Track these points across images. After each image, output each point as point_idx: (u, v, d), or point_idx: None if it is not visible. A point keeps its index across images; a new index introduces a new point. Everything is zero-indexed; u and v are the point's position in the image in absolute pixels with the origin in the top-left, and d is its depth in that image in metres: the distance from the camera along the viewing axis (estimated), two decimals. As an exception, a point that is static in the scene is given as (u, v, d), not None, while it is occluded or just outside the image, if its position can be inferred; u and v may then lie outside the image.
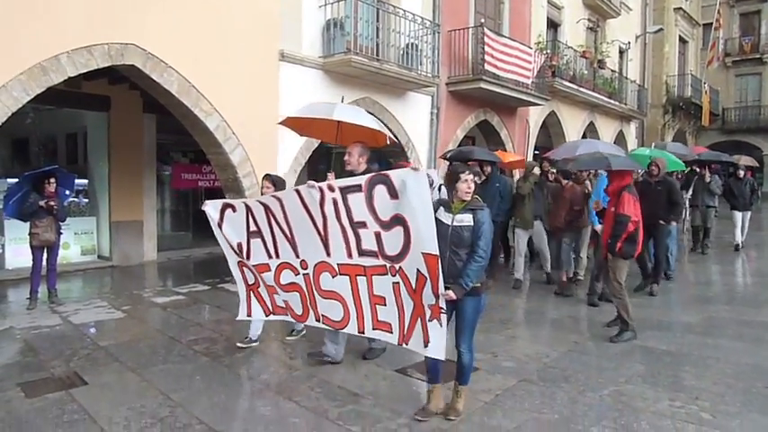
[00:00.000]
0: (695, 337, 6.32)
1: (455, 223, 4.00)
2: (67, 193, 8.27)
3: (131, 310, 7.52)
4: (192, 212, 13.71)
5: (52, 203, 7.45)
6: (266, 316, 5.41)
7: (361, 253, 4.35)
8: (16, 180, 8.02)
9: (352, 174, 5.05)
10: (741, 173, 12.48)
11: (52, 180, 7.55)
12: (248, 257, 5.18)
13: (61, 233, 7.84)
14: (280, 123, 7.14)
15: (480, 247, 3.95)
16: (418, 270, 3.95)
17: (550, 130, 18.23)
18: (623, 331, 6.11)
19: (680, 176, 12.90)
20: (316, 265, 4.71)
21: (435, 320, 3.95)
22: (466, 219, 3.99)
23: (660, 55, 25.93)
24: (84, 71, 7.18)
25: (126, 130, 11.00)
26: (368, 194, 4.17)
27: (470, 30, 13.57)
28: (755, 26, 31.96)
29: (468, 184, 4.07)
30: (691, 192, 12.67)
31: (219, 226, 5.27)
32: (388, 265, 4.20)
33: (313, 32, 10.16)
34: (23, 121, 12.12)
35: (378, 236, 4.19)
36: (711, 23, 26.53)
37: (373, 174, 4.23)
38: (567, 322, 6.94)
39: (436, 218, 3.96)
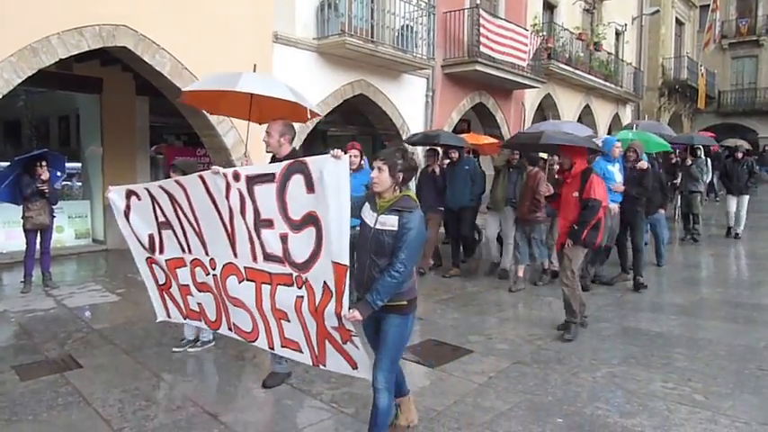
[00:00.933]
0: (688, 318, 6.35)
1: (377, 225, 3.23)
2: (59, 174, 8.21)
3: (126, 294, 7.51)
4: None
5: (44, 187, 7.40)
6: (183, 319, 4.65)
7: (266, 257, 3.64)
8: (7, 164, 7.96)
9: (274, 159, 4.40)
10: (740, 154, 11.62)
11: (43, 163, 7.50)
12: (161, 251, 4.43)
13: (54, 216, 7.80)
14: (179, 101, 6.31)
15: (400, 259, 3.13)
16: (325, 283, 3.29)
17: (546, 113, 18.17)
18: (570, 324, 5.64)
19: (671, 157, 12.60)
20: (224, 265, 3.98)
21: (350, 343, 3.37)
22: (389, 221, 3.19)
23: (656, 37, 25.82)
24: (76, 53, 7.11)
25: (118, 113, 10.91)
26: (281, 186, 3.43)
27: (466, 11, 13.47)
28: (752, 8, 31.78)
29: (377, 174, 3.22)
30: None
31: (126, 216, 4.51)
32: (294, 275, 3.49)
33: (307, 14, 10.06)
34: (15, 104, 12.04)
35: (284, 239, 3.49)
36: (708, 5, 26.39)
37: (291, 161, 3.44)
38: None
39: (361, 217, 3.35)
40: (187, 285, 4.34)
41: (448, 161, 8.65)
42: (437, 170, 8.47)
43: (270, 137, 4.39)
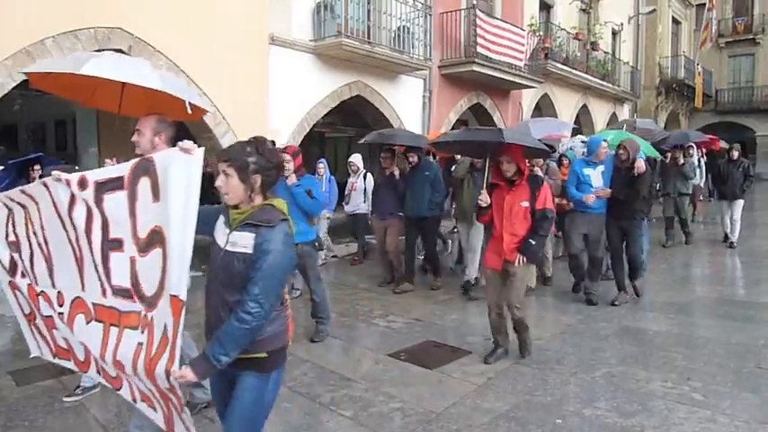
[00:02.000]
0: (686, 317, 6.34)
1: (228, 246, 2.43)
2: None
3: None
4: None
5: None
6: (53, 358, 3.34)
7: (115, 291, 2.69)
8: (1, 168, 7.93)
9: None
10: (735, 154, 10.37)
11: (37, 167, 7.45)
12: (23, 274, 3.29)
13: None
14: (32, 88, 5.17)
15: (252, 295, 2.29)
16: (165, 326, 2.43)
17: (543, 113, 18.17)
18: (498, 349, 5.06)
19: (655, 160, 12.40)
20: (72, 301, 2.96)
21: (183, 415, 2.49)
22: (241, 241, 2.38)
23: (653, 36, 25.85)
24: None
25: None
26: (131, 193, 2.57)
27: (462, 12, 13.49)
28: (748, 7, 31.84)
29: (223, 180, 2.42)
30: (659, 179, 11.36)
31: None
32: (142, 313, 2.57)
33: (303, 15, 10.06)
34: (11, 108, 11.99)
35: (132, 263, 2.60)
36: (704, 4, 26.45)
37: (138, 159, 2.61)
38: (558, 305, 6.95)
39: (213, 235, 2.58)
40: (51, 317, 3.18)
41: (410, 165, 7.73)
42: (396, 173, 7.68)
43: (140, 135, 3.46)
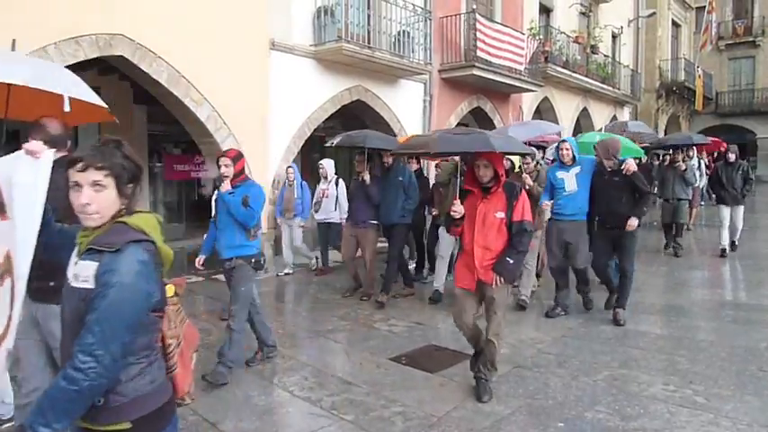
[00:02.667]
0: (688, 320, 6.33)
1: (71, 280, 1.84)
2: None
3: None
4: (184, 204, 13.67)
5: None
6: None
7: None
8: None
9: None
10: (732, 156, 9.71)
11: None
12: None
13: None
14: None
15: (85, 345, 1.69)
16: None
17: (544, 116, 18.19)
18: (483, 382, 4.35)
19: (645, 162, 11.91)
20: None
21: None
22: (83, 272, 1.80)
23: (653, 39, 25.88)
24: (73, 62, 7.10)
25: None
26: None
27: (462, 16, 13.50)
28: (748, 9, 31.88)
29: (91, 196, 1.80)
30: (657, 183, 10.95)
31: None
32: None
33: (303, 20, 10.08)
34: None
35: None
36: (704, 7, 26.48)
37: None
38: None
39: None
40: None
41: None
42: (367, 178, 7.17)
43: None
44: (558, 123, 17.71)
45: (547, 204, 6.41)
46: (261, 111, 9.21)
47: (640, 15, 24.00)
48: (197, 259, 5.24)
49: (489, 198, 4.23)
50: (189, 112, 8.36)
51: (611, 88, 20.73)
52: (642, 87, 24.70)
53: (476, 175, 4.26)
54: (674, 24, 28.52)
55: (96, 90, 11.11)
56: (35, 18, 6.67)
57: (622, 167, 5.99)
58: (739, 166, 9.68)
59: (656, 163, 13.73)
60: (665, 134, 22.92)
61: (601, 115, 21.32)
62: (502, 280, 4.14)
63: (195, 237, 12.25)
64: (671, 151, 11.30)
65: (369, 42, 10.81)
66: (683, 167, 10.03)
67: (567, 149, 6.25)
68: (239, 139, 8.87)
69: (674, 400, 4.20)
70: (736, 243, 10.25)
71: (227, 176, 4.74)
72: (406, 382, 4.66)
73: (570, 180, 6.27)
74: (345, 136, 7.99)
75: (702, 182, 14.50)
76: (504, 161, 8.34)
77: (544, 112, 18.04)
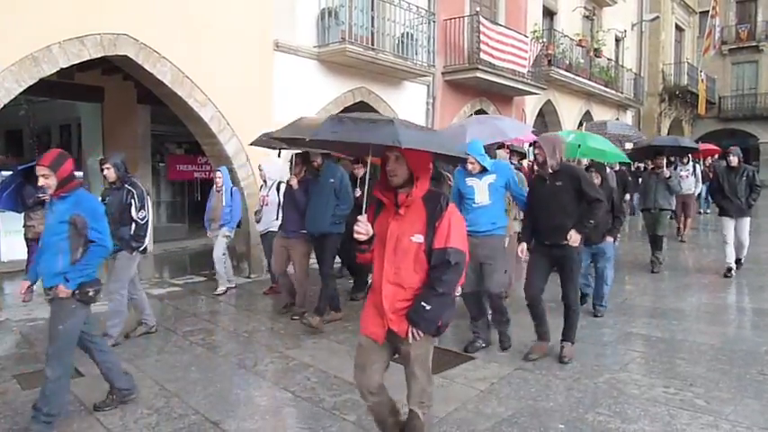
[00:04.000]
0: (689, 323, 6.33)
1: None
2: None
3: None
4: (187, 204, 13.72)
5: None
6: None
7: None
8: (10, 173, 7.99)
9: None
10: (734, 159, 8.42)
11: (45, 172, 7.50)
12: None
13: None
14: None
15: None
16: None
17: (547, 119, 18.21)
18: None
19: (622, 168, 11.39)
20: None
21: None
22: None
23: (656, 43, 25.89)
24: (77, 62, 7.14)
25: (120, 121, 10.96)
26: None
27: (466, 18, 13.52)
28: (752, 14, 31.90)
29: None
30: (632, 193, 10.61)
31: None
32: None
33: (307, 22, 10.10)
34: (17, 113, 12.08)
35: None
36: (708, 11, 26.48)
37: None
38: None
39: None
40: None
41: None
42: (294, 182, 6.57)
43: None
44: (561, 127, 17.78)
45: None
46: (264, 112, 9.23)
47: (644, 19, 24.01)
48: (21, 287, 4.19)
49: (404, 214, 2.94)
50: (192, 112, 8.38)
51: (614, 92, 20.75)
52: (645, 91, 24.71)
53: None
54: (678, 29, 28.52)
55: (100, 90, 11.27)
56: (39, 17, 6.70)
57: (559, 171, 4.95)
58: (743, 171, 8.41)
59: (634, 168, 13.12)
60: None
61: (604, 119, 21.31)
62: (419, 333, 2.94)
63: (197, 237, 12.32)
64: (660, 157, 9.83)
65: (372, 44, 10.83)
66: (667, 174, 8.92)
67: (472, 164, 5.27)
68: (243, 141, 8.89)
69: (674, 402, 4.20)
70: (743, 261, 9.05)
71: (49, 189, 3.80)
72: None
73: (481, 190, 5.31)
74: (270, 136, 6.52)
75: (698, 188, 14.02)
76: (508, 156, 7.79)
77: (547, 115, 18.05)
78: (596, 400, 4.28)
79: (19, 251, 8.79)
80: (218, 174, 8.10)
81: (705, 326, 6.31)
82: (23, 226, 7.55)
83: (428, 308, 2.88)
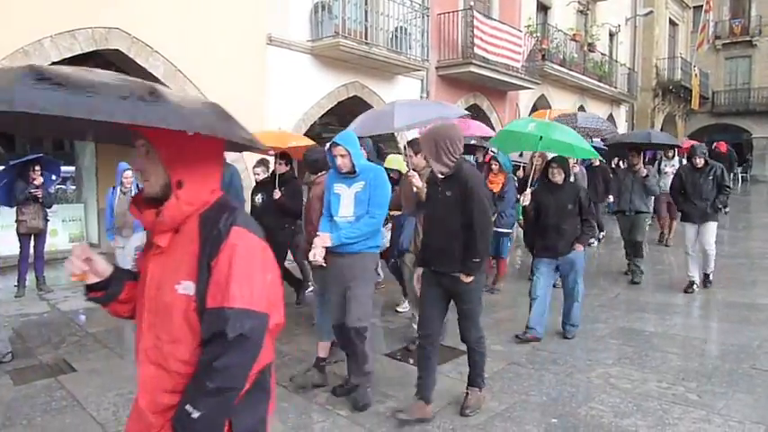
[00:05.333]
0: (682, 318, 6.36)
1: None
2: (53, 178, 8.17)
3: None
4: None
5: (37, 192, 7.38)
6: None
7: None
8: (2, 168, 7.95)
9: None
10: (699, 161, 7.31)
11: (37, 168, 7.48)
12: None
13: (48, 220, 7.78)
14: None
15: None
16: None
17: (541, 114, 18.22)
18: None
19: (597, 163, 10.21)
20: None
21: None
22: None
23: (650, 38, 25.92)
24: (69, 56, 7.09)
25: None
26: None
27: (460, 13, 13.51)
28: (745, 8, 31.94)
29: None
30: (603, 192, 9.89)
31: None
32: None
33: (301, 16, 10.07)
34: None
35: None
36: (701, 6, 26.51)
37: None
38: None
39: None
40: None
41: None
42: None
43: None
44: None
45: (322, 240, 4.02)
46: (257, 106, 9.20)
47: (638, 14, 24.03)
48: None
49: (164, 246, 1.75)
50: (185, 107, 8.35)
51: (607, 87, 20.78)
52: (639, 86, 24.75)
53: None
54: (672, 23, 28.56)
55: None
56: (30, 11, 6.65)
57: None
58: (711, 170, 7.30)
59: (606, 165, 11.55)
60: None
61: (597, 113, 21.32)
62: None
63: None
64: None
65: (366, 38, 10.81)
66: (644, 173, 7.92)
67: (341, 155, 4.01)
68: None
69: (666, 397, 4.22)
70: (711, 277, 7.62)
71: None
72: (401, 378, 4.68)
73: (348, 199, 4.08)
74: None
75: None
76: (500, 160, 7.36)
77: (541, 109, 18.04)
78: (589, 395, 4.30)
79: (11, 246, 8.75)
80: (127, 172, 6.81)
81: (698, 321, 6.35)
82: (15, 221, 7.50)
83: (195, 415, 1.59)
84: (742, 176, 27.24)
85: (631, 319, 6.27)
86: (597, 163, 10.25)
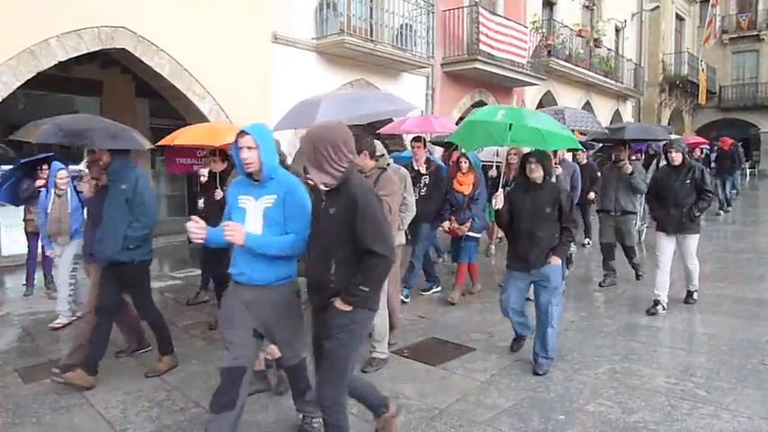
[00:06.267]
0: (689, 314, 6.33)
1: None
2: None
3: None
4: (187, 197, 13.69)
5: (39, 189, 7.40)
6: None
7: None
8: (10, 167, 7.98)
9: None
10: (676, 157, 6.15)
11: (45, 167, 7.50)
12: None
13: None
14: None
15: None
16: None
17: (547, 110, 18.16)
18: None
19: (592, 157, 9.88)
20: None
21: None
22: None
23: (657, 33, 25.80)
24: (75, 55, 7.13)
25: (118, 115, 10.85)
26: None
27: (465, 9, 13.49)
28: (752, 3, 31.73)
29: None
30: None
31: None
32: None
33: (306, 14, 10.07)
34: (15, 107, 12.02)
35: None
36: (708, 0, 26.36)
37: None
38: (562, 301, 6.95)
39: None
40: None
41: None
42: (86, 189, 5.02)
43: None
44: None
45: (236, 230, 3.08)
46: (263, 104, 9.21)
47: (644, 9, 23.93)
48: None
49: None
50: (191, 105, 8.38)
51: (614, 82, 20.70)
52: (645, 81, 24.65)
53: None
54: (678, 18, 28.42)
55: (98, 84, 11.23)
56: (37, 11, 6.67)
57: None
58: (689, 171, 6.14)
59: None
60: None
61: (604, 109, 21.27)
62: None
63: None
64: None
65: (371, 36, 10.80)
66: (629, 169, 7.29)
67: (248, 147, 3.14)
68: (242, 133, 8.88)
69: (674, 393, 4.20)
70: (695, 295, 6.71)
71: None
72: (408, 375, 4.68)
73: (254, 214, 3.18)
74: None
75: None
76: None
77: (547, 105, 17.97)
78: (597, 391, 4.28)
79: (19, 246, 8.80)
80: (62, 172, 6.23)
81: (705, 316, 6.31)
82: (23, 220, 7.54)
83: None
84: (750, 171, 27.09)
85: (639, 315, 6.24)
86: (585, 161, 9.44)
